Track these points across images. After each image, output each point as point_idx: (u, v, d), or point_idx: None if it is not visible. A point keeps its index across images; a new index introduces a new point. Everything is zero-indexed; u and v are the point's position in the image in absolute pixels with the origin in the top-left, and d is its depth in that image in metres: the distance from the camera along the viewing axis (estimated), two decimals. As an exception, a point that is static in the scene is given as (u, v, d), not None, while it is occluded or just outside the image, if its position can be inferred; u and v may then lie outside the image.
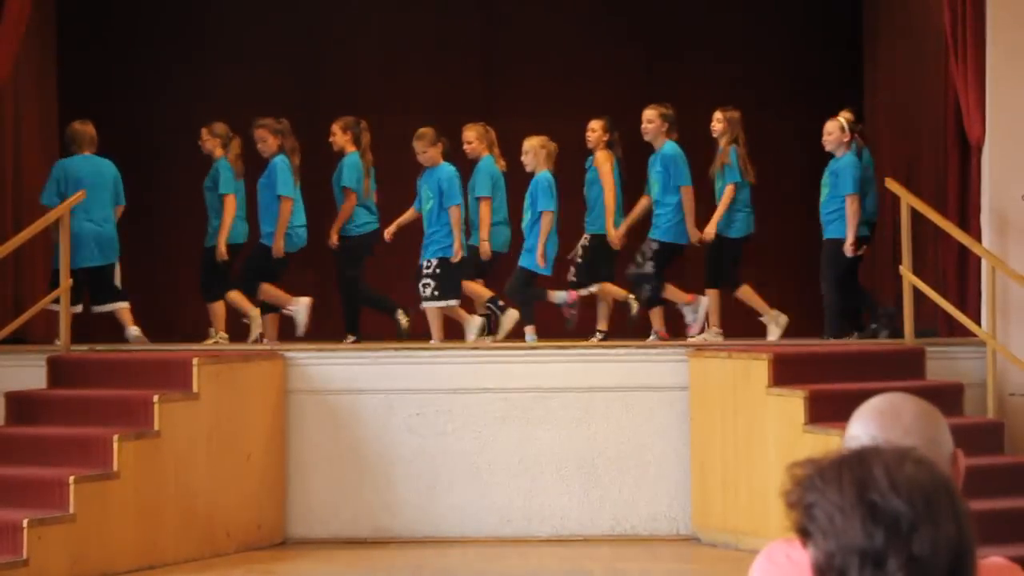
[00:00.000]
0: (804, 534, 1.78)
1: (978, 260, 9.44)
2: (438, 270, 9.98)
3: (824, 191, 10.10)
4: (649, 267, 10.11)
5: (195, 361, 8.86)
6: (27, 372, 9.21)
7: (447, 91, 12.14)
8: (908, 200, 9.45)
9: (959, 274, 9.78)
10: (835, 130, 9.98)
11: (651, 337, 10.08)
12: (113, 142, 10.66)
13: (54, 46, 11.21)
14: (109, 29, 12.24)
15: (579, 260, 10.41)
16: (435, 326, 9.99)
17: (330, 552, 9.04)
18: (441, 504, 9.36)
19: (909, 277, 9.40)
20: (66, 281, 9.45)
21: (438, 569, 8.55)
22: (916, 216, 9.45)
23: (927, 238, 9.94)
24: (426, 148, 10.16)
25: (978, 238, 9.43)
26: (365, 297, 10.42)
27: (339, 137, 10.47)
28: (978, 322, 9.30)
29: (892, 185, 9.61)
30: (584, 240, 10.44)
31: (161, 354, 9.53)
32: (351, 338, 10.19)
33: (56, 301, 9.52)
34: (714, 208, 10.19)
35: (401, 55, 12.39)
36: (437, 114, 11.07)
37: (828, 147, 10.03)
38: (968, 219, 9.64)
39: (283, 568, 8.65)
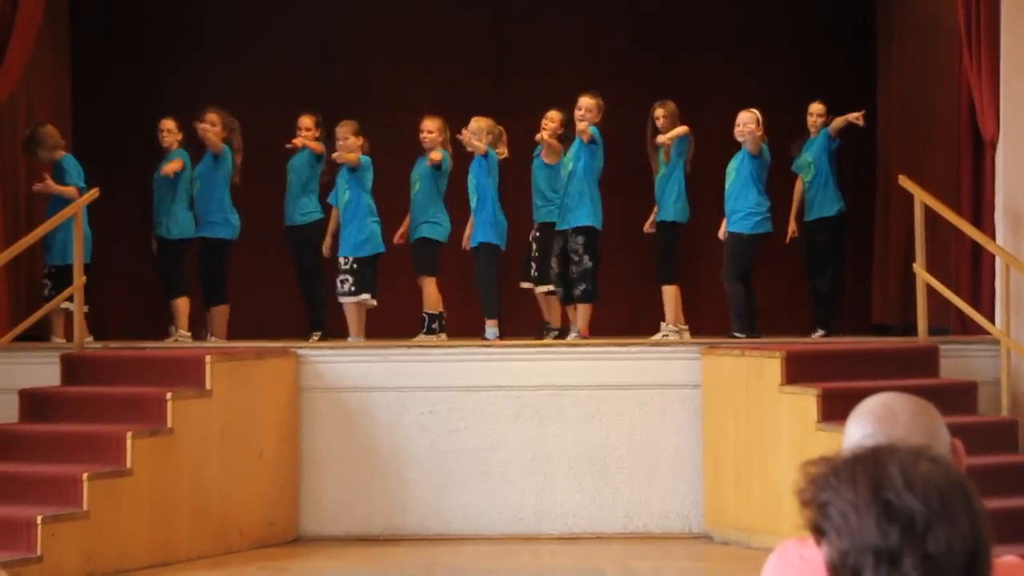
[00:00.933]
0: (818, 533, 1.77)
1: (992, 257, 9.41)
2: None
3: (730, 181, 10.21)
4: (586, 261, 10.07)
5: (208, 358, 8.87)
6: (41, 369, 9.23)
7: (457, 89, 12.13)
8: (921, 197, 9.43)
9: (973, 272, 9.75)
10: (751, 121, 10.00)
11: (572, 335, 10.07)
12: (126, 141, 10.68)
13: (67, 47, 11.23)
14: (121, 29, 12.25)
15: (536, 254, 10.46)
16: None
17: (342, 549, 9.05)
18: (453, 502, 9.36)
19: (923, 275, 9.38)
20: (79, 279, 9.47)
21: (450, 567, 8.55)
22: (929, 213, 9.43)
23: (940, 235, 9.91)
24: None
25: (992, 235, 9.40)
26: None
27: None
28: (992, 320, 9.28)
29: (905, 182, 9.59)
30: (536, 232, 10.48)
31: (174, 351, 9.54)
32: (316, 336, 10.21)
33: (70, 299, 9.55)
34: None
35: (411, 53, 12.37)
36: (447, 111, 11.07)
37: (741, 138, 10.04)
38: (982, 216, 9.61)
39: (296, 565, 8.66)
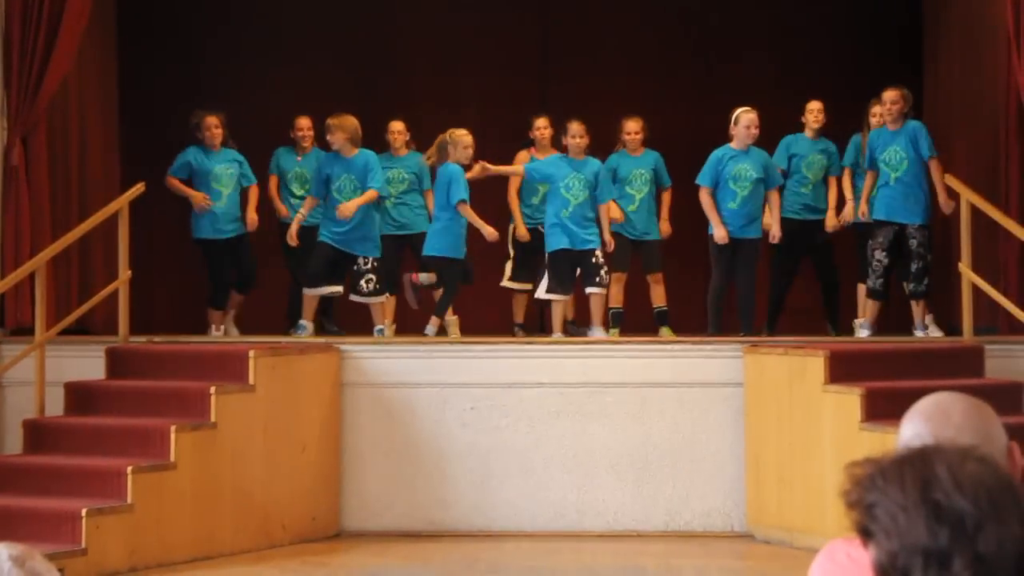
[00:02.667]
0: (865, 534, 1.76)
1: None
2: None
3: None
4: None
5: (251, 353, 8.91)
6: (87, 363, 9.30)
7: (500, 88, 12.13)
8: (968, 197, 9.36)
9: (1020, 271, 9.67)
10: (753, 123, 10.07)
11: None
12: (173, 136, 10.74)
13: (114, 42, 11.29)
14: (168, 24, 12.32)
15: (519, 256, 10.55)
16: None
17: (384, 545, 9.07)
18: (495, 498, 9.37)
19: (968, 274, 9.31)
20: (125, 272, 9.53)
21: (491, 563, 8.55)
22: (976, 213, 9.36)
23: (988, 235, 9.84)
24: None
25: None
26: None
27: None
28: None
29: (952, 181, 9.52)
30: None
31: (218, 346, 9.59)
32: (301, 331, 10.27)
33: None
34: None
35: (453, 51, 12.38)
36: (489, 110, 11.09)
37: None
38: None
39: (337, 560, 8.68)
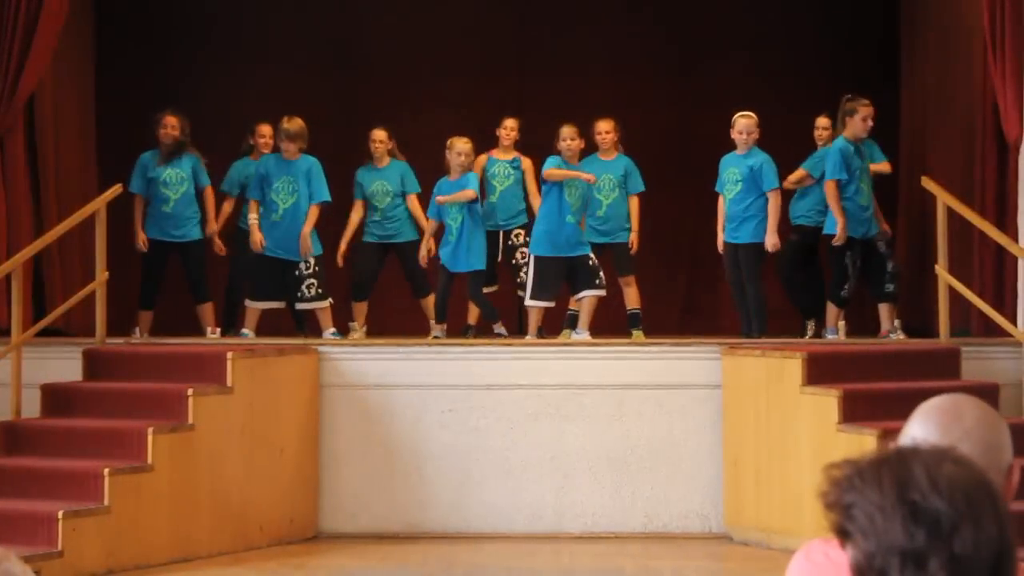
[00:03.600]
0: (843, 534, 1.76)
1: (1015, 260, 9.38)
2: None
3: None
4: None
5: (229, 355, 8.89)
6: (63, 364, 9.27)
7: (479, 90, 12.13)
8: (944, 199, 9.40)
9: (997, 273, 9.72)
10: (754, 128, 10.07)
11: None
12: (149, 136, 10.70)
13: (91, 43, 11.26)
14: (145, 26, 12.28)
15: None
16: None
17: (362, 547, 9.06)
18: (473, 500, 9.37)
19: (945, 276, 9.35)
20: (102, 273, 9.50)
21: (470, 565, 8.56)
22: (952, 215, 9.40)
23: (961, 238, 9.88)
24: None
25: (1015, 238, 9.36)
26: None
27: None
28: (1015, 322, 9.24)
29: (928, 184, 9.56)
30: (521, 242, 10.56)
31: (195, 347, 9.57)
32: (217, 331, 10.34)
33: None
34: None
35: (433, 54, 12.37)
36: (470, 113, 11.09)
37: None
38: (1006, 218, 9.58)
39: (315, 562, 8.68)
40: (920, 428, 2.22)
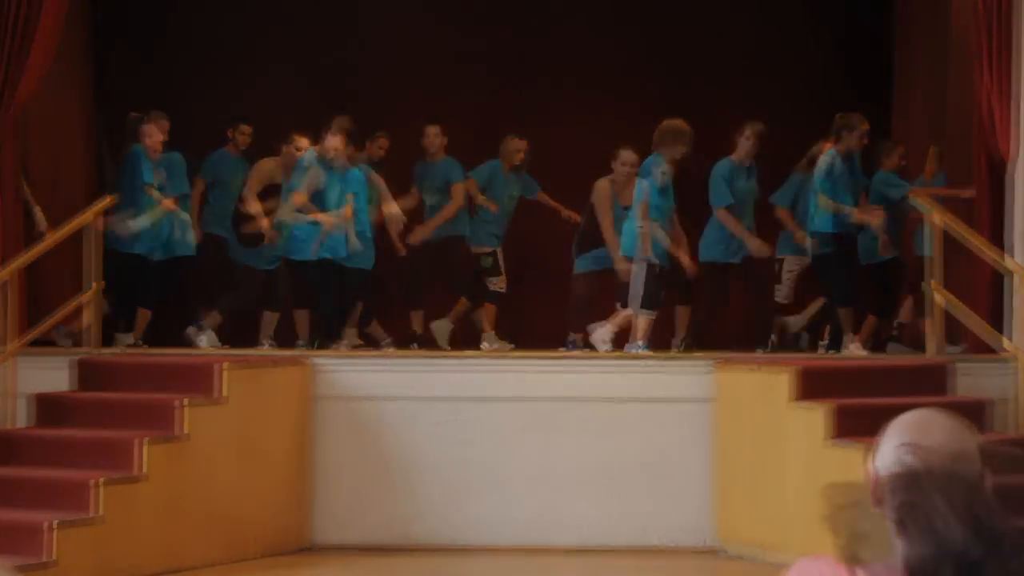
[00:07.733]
0: (900, 527, 1.79)
1: (1008, 275, 9.40)
2: None
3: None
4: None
5: (223, 366, 8.90)
6: (55, 374, 9.26)
7: (474, 103, 12.14)
8: (937, 215, 9.43)
9: (991, 289, 9.72)
10: None
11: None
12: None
13: (89, 51, 11.27)
14: (144, 32, 12.28)
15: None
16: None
17: (353, 558, 9.07)
18: (463, 512, 9.37)
19: (938, 292, 9.37)
20: (95, 283, 9.50)
21: (461, 577, 8.56)
22: (945, 230, 9.42)
23: (957, 252, 9.90)
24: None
25: (1009, 253, 9.39)
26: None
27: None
28: (1009, 338, 9.26)
29: (921, 199, 9.59)
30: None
31: (189, 358, 9.57)
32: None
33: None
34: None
35: (428, 67, 12.37)
36: (465, 125, 11.10)
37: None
38: (1000, 234, 9.59)
39: (307, 573, 8.68)
40: (893, 442, 2.24)
